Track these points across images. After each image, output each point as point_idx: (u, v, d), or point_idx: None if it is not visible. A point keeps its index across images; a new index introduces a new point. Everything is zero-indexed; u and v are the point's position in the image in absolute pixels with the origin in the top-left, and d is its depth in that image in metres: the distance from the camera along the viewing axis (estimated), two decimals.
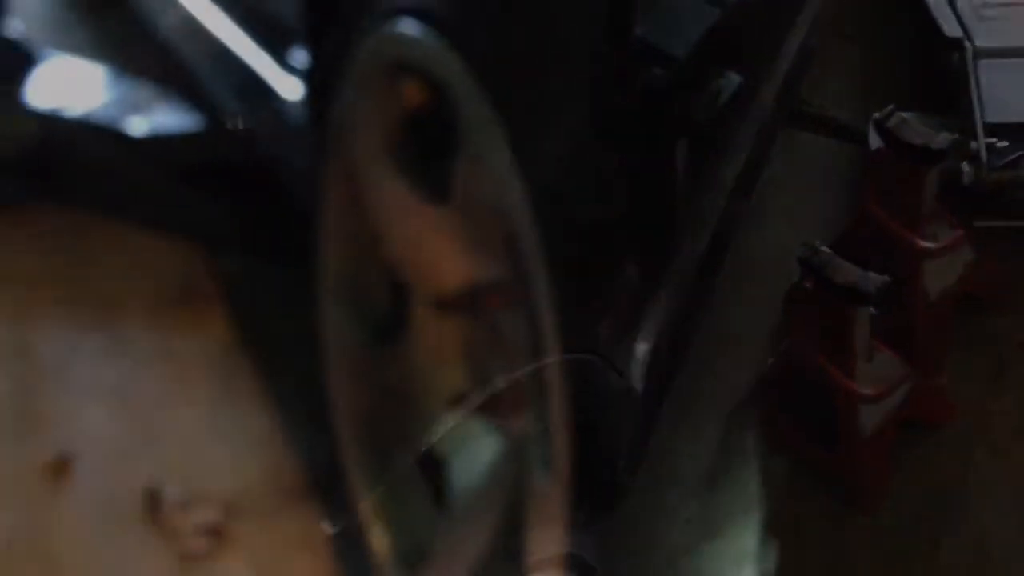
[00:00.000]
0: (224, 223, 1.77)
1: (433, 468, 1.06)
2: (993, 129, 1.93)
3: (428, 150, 0.96)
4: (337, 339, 1.14)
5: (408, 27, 0.89)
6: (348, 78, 1.00)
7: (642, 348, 0.79)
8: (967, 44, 2.01)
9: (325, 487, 1.32)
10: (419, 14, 0.87)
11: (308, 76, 1.14)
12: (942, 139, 1.74)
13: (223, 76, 1.56)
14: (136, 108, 1.87)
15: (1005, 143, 1.90)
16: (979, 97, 1.95)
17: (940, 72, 2.07)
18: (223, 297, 1.73)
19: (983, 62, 2.01)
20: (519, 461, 0.87)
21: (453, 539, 0.97)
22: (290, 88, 1.29)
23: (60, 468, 1.37)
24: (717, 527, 0.68)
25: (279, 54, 1.35)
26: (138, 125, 1.84)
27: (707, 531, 0.68)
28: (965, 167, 1.92)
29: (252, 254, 1.75)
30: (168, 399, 1.50)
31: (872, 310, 1.59)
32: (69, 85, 1.96)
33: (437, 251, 0.96)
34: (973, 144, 1.92)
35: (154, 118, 1.84)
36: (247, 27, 1.48)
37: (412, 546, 1.07)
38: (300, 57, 1.18)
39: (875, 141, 1.80)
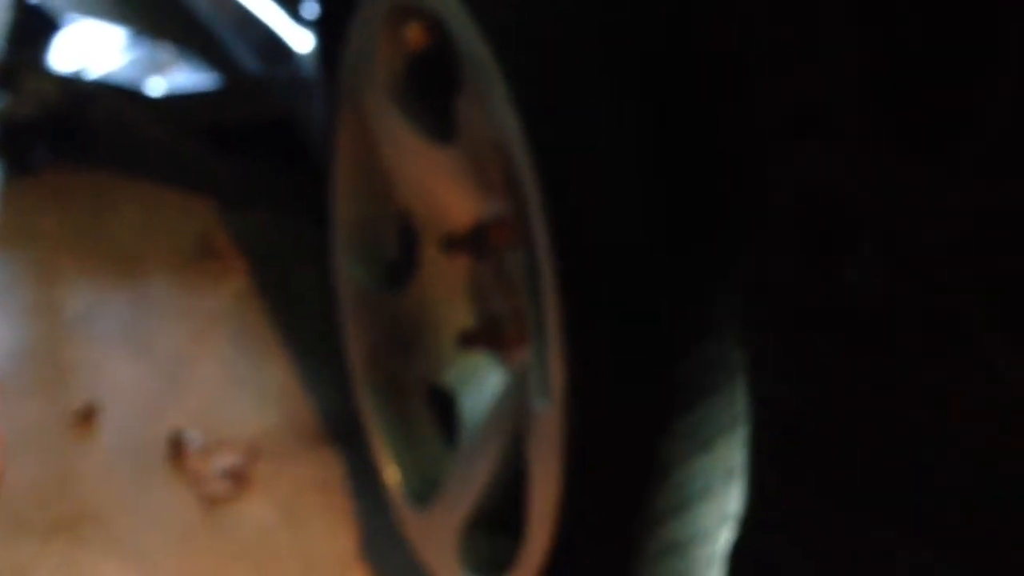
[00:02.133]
0: (240, 178, 1.80)
1: (442, 403, 1.09)
2: None
3: (431, 90, 0.97)
4: (350, 285, 1.16)
5: None
6: (354, 25, 1.02)
7: None
8: None
9: (341, 430, 1.35)
10: None
11: (318, 27, 1.16)
12: None
13: (239, 34, 1.59)
14: (156, 68, 1.90)
15: None
16: None
17: None
18: (240, 251, 1.76)
19: None
20: (521, 391, 0.90)
21: (462, 471, 1.00)
22: (302, 41, 1.31)
23: (87, 416, 1.42)
24: (707, 441, 0.70)
25: (292, 8, 1.37)
26: (157, 85, 1.88)
27: (697, 445, 0.70)
28: None
29: (267, 208, 1.79)
30: (189, 350, 1.54)
31: None
32: (90, 48, 2.00)
33: (443, 191, 0.98)
34: None
35: (172, 78, 1.88)
36: None
37: (424, 480, 1.10)
38: (311, 8, 1.20)
39: None
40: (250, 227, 1.80)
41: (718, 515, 0.73)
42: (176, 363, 1.53)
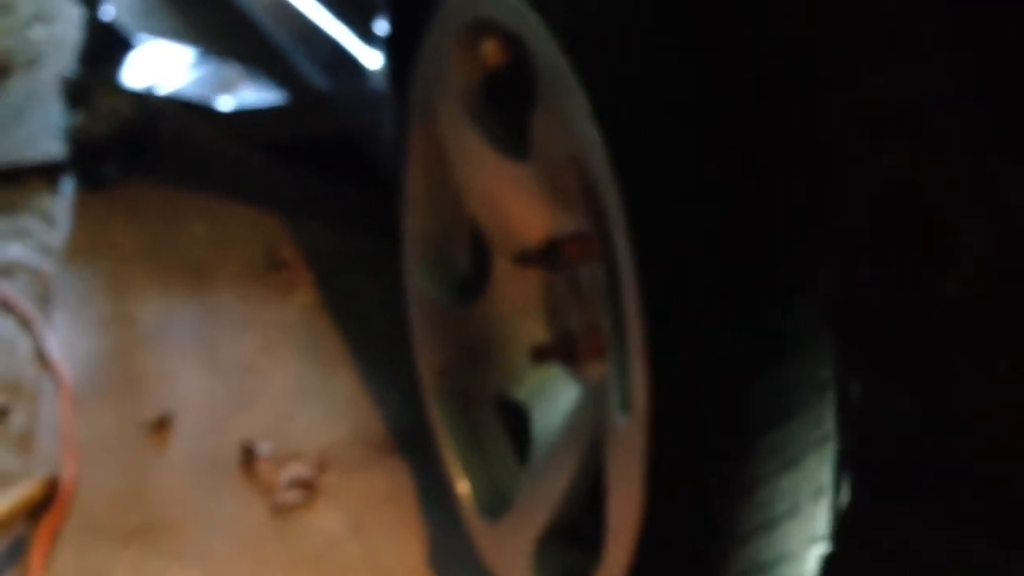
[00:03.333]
0: (309, 193, 1.82)
1: (515, 418, 1.09)
2: None
3: (507, 106, 0.98)
4: (420, 298, 1.17)
5: None
6: (427, 41, 1.03)
7: None
8: None
9: (410, 441, 1.36)
10: None
11: (389, 44, 1.17)
12: None
13: (308, 51, 1.61)
14: (224, 86, 1.93)
15: None
16: None
17: None
18: (307, 264, 1.78)
19: None
20: (599, 406, 0.89)
21: (535, 485, 1.00)
22: (372, 57, 1.32)
23: (160, 426, 1.44)
24: (795, 459, 0.69)
25: (361, 25, 1.39)
26: (226, 102, 1.91)
27: (784, 463, 0.69)
28: None
29: (334, 222, 1.81)
30: (259, 361, 1.57)
31: None
32: (161, 66, 2.04)
33: (517, 205, 0.98)
34: None
35: (241, 95, 1.91)
36: (330, 2, 1.53)
37: (495, 493, 1.11)
38: (381, 26, 1.21)
39: None
40: (317, 240, 1.82)
41: (806, 535, 0.72)
42: (246, 374, 1.55)
